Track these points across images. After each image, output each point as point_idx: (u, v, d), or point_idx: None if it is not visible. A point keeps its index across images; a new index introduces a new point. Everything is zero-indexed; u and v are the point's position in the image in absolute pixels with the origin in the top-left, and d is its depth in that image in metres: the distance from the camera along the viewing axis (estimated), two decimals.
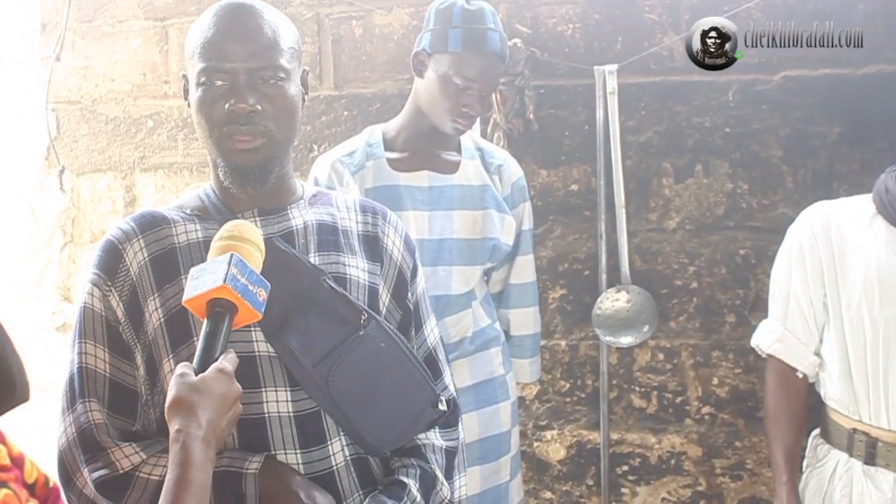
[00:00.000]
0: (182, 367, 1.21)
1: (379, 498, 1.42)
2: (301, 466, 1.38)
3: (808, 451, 2.16)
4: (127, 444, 1.35)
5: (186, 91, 1.47)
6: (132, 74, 3.00)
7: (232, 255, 1.24)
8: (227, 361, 1.22)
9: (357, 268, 1.50)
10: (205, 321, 1.23)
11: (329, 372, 1.39)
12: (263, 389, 1.38)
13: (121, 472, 1.33)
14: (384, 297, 1.54)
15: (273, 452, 1.37)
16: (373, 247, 1.55)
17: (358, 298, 1.47)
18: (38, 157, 3.07)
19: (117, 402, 1.39)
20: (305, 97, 1.51)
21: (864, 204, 2.04)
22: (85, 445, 1.36)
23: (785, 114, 2.68)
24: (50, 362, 3.06)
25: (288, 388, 1.39)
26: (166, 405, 1.18)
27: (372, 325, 1.45)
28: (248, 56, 1.39)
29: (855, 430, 1.99)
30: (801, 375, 2.11)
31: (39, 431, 2.97)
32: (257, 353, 1.39)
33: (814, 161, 2.67)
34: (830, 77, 2.63)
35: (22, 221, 3.10)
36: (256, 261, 1.29)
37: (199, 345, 1.22)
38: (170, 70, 2.97)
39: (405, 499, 1.43)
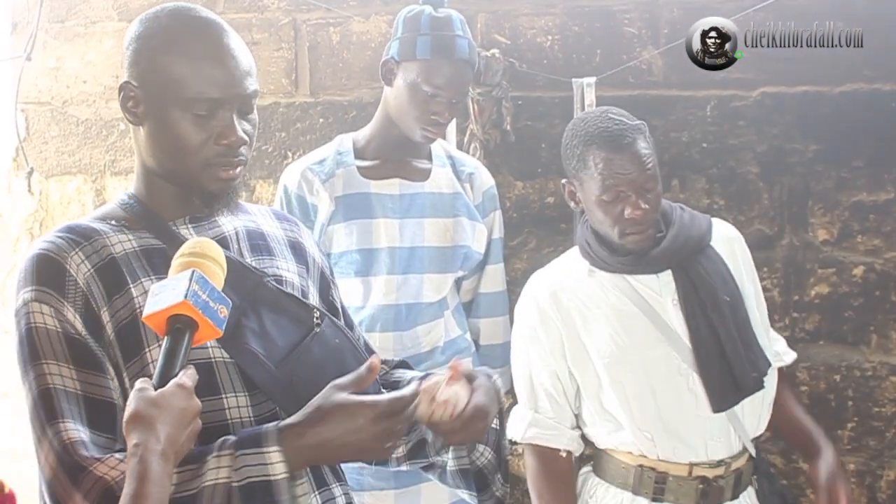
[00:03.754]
0: (141, 382, 1.18)
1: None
2: None
3: (581, 491, 2.03)
4: (109, 455, 1.24)
5: (129, 99, 1.38)
6: (104, 76, 2.97)
7: (193, 272, 1.23)
8: (187, 377, 1.20)
9: (289, 271, 1.51)
10: (165, 338, 1.22)
11: (292, 372, 1.37)
12: (224, 396, 1.36)
13: (112, 483, 1.21)
14: (315, 298, 1.54)
15: None
16: (297, 251, 1.57)
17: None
18: (6, 159, 3.03)
19: (97, 419, 1.28)
20: None
21: (576, 261, 2.03)
22: (69, 471, 1.23)
23: (762, 130, 2.67)
24: (13, 367, 3.01)
25: (246, 393, 1.37)
26: (125, 420, 1.15)
27: (325, 322, 1.45)
28: (240, 85, 1.36)
29: (641, 465, 1.93)
30: (564, 454, 1.99)
31: (3, 436, 2.93)
32: (213, 359, 1.36)
33: (790, 178, 2.67)
34: (808, 94, 2.63)
35: None
36: (218, 278, 1.28)
37: (160, 361, 1.20)
38: None
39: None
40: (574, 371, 1.97)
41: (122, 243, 1.38)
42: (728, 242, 2.02)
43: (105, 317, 1.33)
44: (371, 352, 1.58)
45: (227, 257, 1.37)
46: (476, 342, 2.43)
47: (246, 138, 1.38)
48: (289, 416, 1.36)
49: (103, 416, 1.29)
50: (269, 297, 1.41)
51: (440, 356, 2.27)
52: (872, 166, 2.61)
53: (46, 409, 1.26)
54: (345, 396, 1.28)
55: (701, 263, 1.94)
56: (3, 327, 3.01)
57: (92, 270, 1.34)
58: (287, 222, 1.62)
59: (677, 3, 2.65)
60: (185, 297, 1.19)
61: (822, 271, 2.67)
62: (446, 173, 2.30)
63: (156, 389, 1.17)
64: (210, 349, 1.36)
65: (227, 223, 1.49)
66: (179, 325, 1.21)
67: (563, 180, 2.01)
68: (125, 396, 1.29)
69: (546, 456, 1.99)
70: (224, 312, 1.25)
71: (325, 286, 1.59)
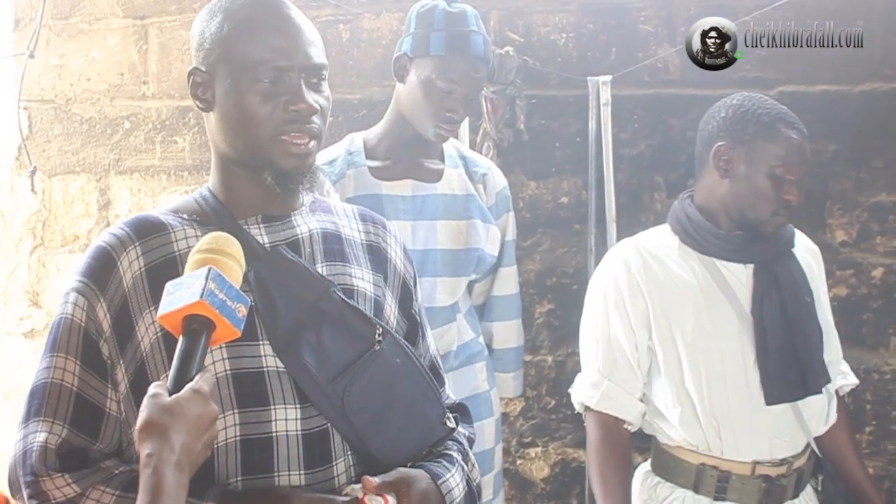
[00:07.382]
0: (155, 388, 1.13)
1: (435, 461, 1.42)
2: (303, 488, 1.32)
3: (639, 488, 2.05)
4: (59, 474, 1.27)
5: (198, 85, 1.38)
6: (109, 74, 2.93)
7: (210, 269, 1.17)
8: (204, 381, 1.14)
9: (363, 279, 1.45)
10: (180, 339, 1.16)
11: (345, 389, 1.33)
12: (272, 407, 1.31)
13: (53, 502, 1.26)
14: (393, 309, 1.49)
15: (276, 474, 1.30)
16: (376, 258, 1.50)
17: (366, 311, 1.41)
18: (9, 157, 3.00)
19: (81, 418, 1.30)
20: None
21: (666, 236, 2.03)
22: (24, 468, 1.28)
23: None
24: (17, 369, 2.97)
25: (297, 406, 1.32)
26: (137, 427, 1.10)
27: (388, 339, 1.39)
28: (305, 54, 1.35)
29: (704, 464, 1.92)
30: (628, 426, 2.01)
31: (6, 440, 2.89)
32: (265, 369, 1.32)
33: (808, 178, 2.59)
34: (828, 94, 2.59)
35: None
36: (236, 275, 1.23)
37: (174, 364, 1.15)
38: (149, 70, 2.89)
39: (456, 465, 1.43)
40: (657, 347, 1.97)
41: (188, 239, 1.36)
42: (808, 252, 2.10)
43: (149, 317, 1.31)
44: (435, 371, 1.54)
45: (295, 263, 1.37)
46: (489, 346, 2.40)
47: (316, 107, 1.34)
48: (339, 432, 1.35)
49: (89, 418, 1.30)
50: (332, 310, 1.37)
51: (453, 360, 2.23)
52: (892, 166, 2.58)
53: (38, 402, 1.30)
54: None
55: (786, 263, 2.00)
56: (6, 330, 2.98)
57: (144, 269, 1.34)
58: (373, 224, 1.55)
59: (693, 1, 2.60)
60: (202, 296, 1.14)
61: (840, 273, 2.64)
62: (459, 174, 2.25)
63: (170, 395, 1.12)
64: (263, 358, 1.33)
65: (303, 224, 1.44)
66: (195, 326, 1.15)
67: (721, 143, 1.97)
68: None
69: (611, 426, 2.00)
70: (242, 312, 1.19)
71: (407, 297, 1.53)
